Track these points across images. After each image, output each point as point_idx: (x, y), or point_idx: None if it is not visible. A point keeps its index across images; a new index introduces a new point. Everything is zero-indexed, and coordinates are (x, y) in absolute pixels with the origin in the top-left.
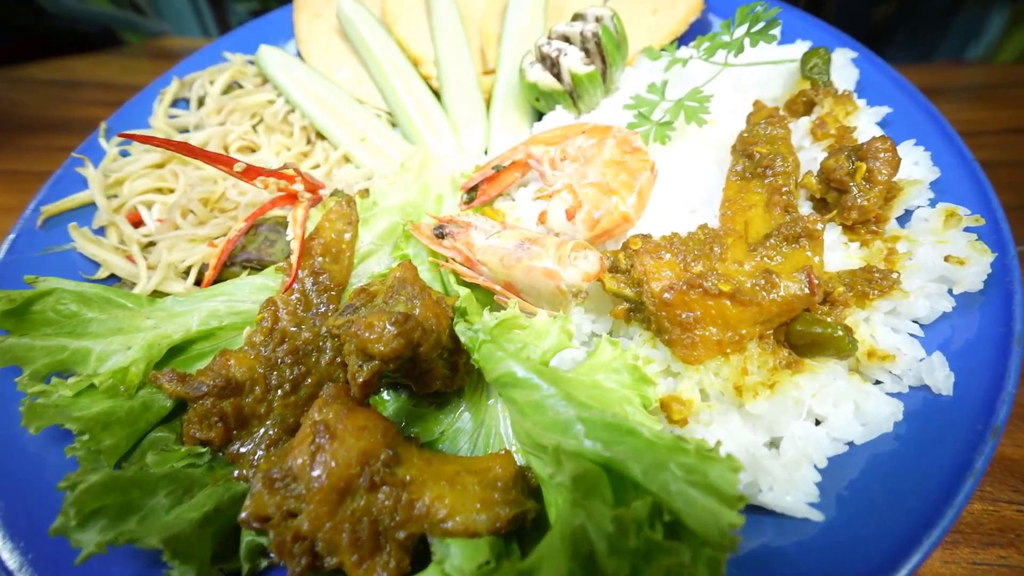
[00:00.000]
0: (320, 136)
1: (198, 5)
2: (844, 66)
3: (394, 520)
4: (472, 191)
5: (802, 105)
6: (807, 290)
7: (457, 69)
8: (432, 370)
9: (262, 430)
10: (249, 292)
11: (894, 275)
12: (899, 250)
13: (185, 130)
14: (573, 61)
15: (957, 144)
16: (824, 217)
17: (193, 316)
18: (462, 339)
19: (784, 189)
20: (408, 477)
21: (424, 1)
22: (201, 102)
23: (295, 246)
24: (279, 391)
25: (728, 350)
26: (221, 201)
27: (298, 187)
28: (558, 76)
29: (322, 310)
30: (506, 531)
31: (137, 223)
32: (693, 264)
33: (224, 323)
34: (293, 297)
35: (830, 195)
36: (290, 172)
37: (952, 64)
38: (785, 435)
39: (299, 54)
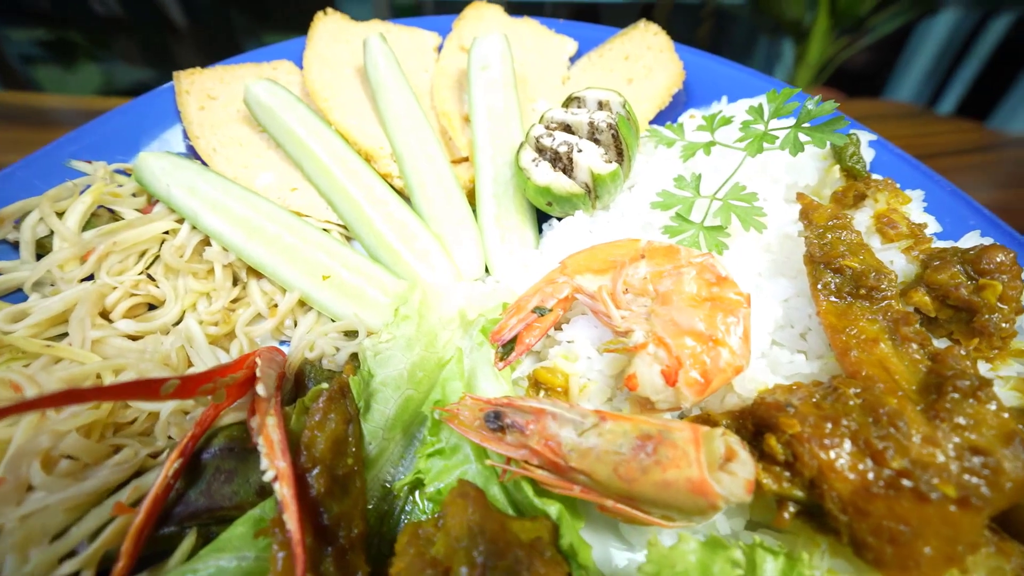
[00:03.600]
0: (254, 272)
1: None
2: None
3: None
4: (509, 343)
5: (853, 199)
6: None
7: (428, 164)
8: None
9: None
10: None
11: None
12: None
13: (15, 291)
14: (592, 159)
15: (1004, 227)
16: (969, 351)
17: None
18: None
19: (911, 319)
20: None
21: (357, 80)
22: (44, 245)
23: (285, 494)
24: None
25: (956, 566)
26: (114, 416)
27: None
28: (565, 172)
29: None
30: None
31: None
32: (884, 450)
33: None
34: None
35: (943, 312)
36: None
37: None
38: None
39: (191, 152)
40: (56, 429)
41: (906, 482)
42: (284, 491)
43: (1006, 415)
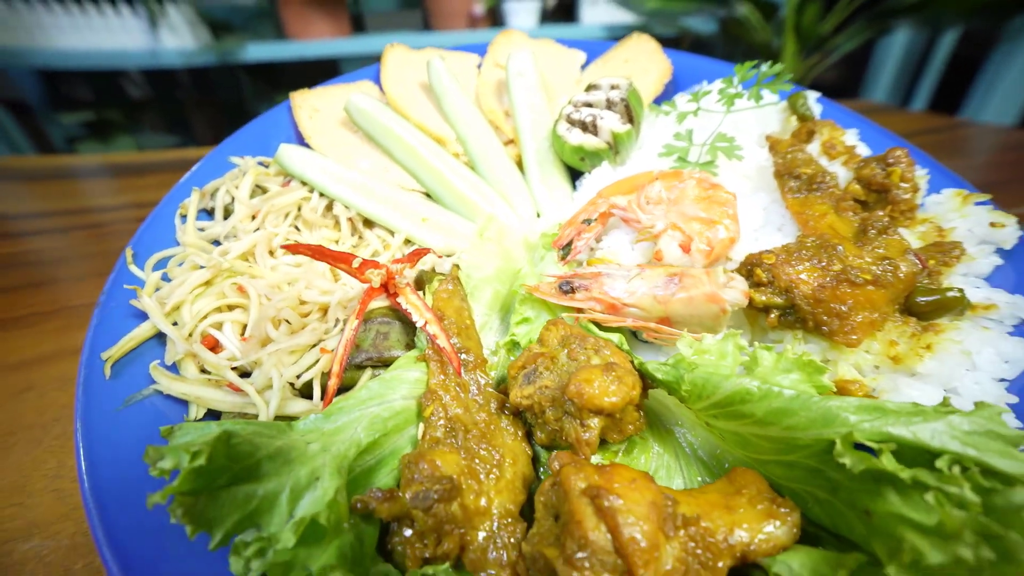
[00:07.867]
0: (368, 224)
1: None
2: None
3: (707, 558)
4: (567, 246)
5: (805, 135)
6: (920, 266)
7: (486, 143)
8: (625, 417)
9: (490, 524)
10: (407, 389)
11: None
12: (941, 227)
13: (216, 241)
14: (613, 122)
15: (913, 147)
16: (885, 212)
17: (357, 429)
18: (659, 375)
19: (847, 197)
20: (696, 515)
21: (422, 92)
22: (227, 211)
23: (435, 329)
24: (491, 477)
25: (876, 329)
26: (299, 307)
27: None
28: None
29: (475, 388)
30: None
31: (212, 349)
32: (831, 265)
33: (389, 428)
34: (450, 382)
35: (870, 196)
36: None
37: None
38: (959, 387)
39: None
40: (277, 305)
41: (843, 276)
42: (435, 328)
43: (903, 241)
